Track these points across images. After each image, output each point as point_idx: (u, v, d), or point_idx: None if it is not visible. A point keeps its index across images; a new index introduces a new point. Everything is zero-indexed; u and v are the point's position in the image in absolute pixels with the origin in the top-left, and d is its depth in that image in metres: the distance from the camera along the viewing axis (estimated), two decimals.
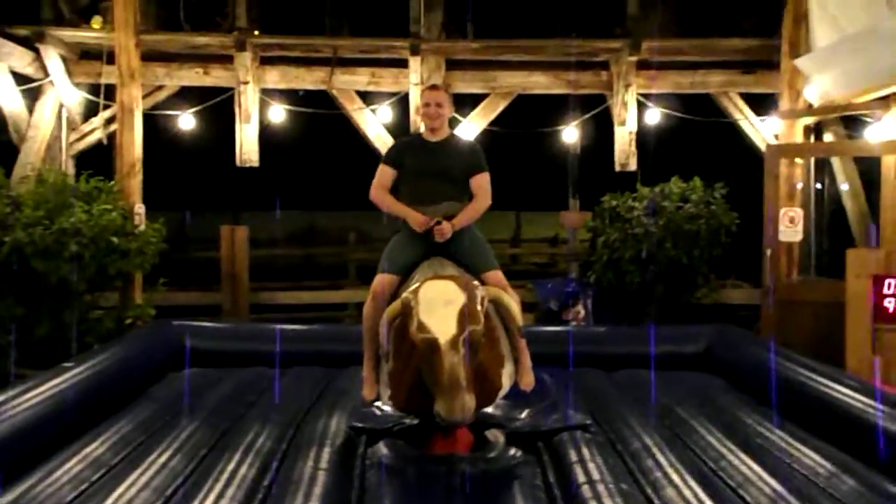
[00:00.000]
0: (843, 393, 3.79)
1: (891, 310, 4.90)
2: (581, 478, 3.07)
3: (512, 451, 3.42)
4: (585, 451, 3.33)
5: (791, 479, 3.17)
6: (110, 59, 7.02)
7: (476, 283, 3.26)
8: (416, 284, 3.19)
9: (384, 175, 3.76)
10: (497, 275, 3.62)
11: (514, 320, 3.39)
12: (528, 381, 3.57)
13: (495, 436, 3.63)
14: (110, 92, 7.18)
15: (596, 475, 3.07)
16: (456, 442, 3.42)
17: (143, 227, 6.49)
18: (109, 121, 7.43)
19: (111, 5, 6.98)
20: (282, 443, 3.53)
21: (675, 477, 3.10)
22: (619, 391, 4.55)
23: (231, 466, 3.15)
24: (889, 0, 5.37)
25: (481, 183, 3.69)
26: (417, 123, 7.80)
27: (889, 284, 4.93)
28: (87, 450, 3.37)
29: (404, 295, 3.16)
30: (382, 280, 3.58)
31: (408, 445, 3.45)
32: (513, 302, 3.42)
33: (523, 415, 3.85)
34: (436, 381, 2.92)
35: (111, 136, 7.26)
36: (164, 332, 5.29)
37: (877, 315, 4.98)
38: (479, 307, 3.05)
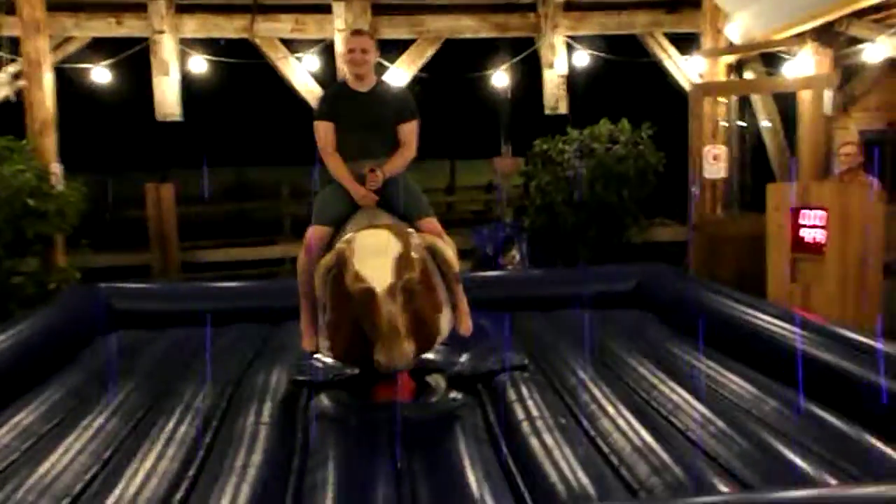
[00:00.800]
0: (764, 321, 3.98)
1: (808, 240, 5.12)
2: (521, 415, 3.16)
3: (453, 395, 3.48)
4: (524, 390, 3.42)
5: (718, 403, 3.34)
6: (10, 9, 6.58)
7: (411, 230, 3.25)
8: (350, 234, 3.15)
9: (327, 132, 3.57)
10: (431, 222, 3.61)
11: (450, 267, 3.40)
12: (466, 327, 3.60)
13: (436, 380, 3.69)
14: (14, 45, 6.74)
15: (535, 412, 3.16)
16: (398, 389, 3.45)
17: (60, 188, 6.20)
18: (16, 76, 6.99)
19: None
20: (221, 400, 3.50)
21: (609, 408, 3.21)
22: (555, 331, 4.66)
23: (170, 426, 3.11)
24: None
25: (410, 131, 3.60)
26: (344, 71, 7.62)
27: (806, 216, 5.14)
28: (15, 419, 3.26)
29: (338, 245, 3.13)
30: (314, 232, 3.52)
31: (350, 395, 3.47)
32: (448, 249, 3.43)
33: (463, 359, 3.91)
34: (374, 329, 2.91)
35: (19, 93, 6.84)
36: (91, 295, 5.11)
37: (795, 245, 5.20)
38: (414, 255, 3.05)
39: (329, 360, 3.74)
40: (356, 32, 3.80)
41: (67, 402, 3.55)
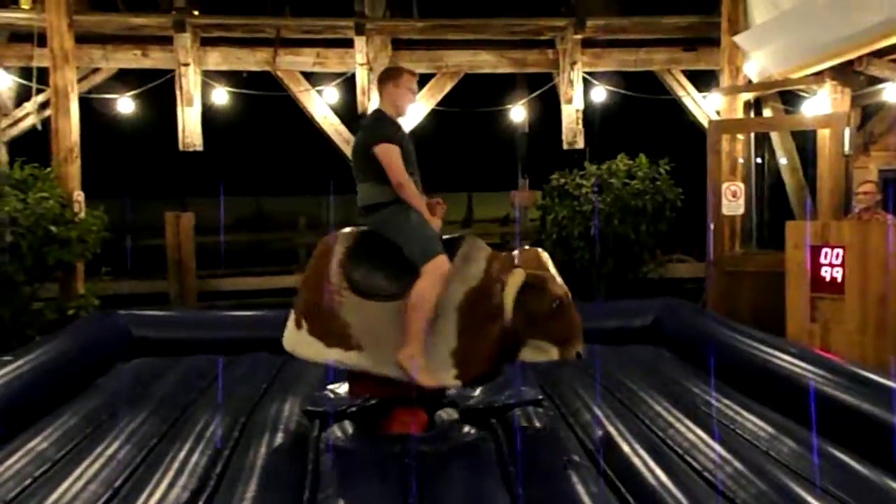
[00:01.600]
0: (783, 360, 3.93)
1: (827, 279, 5.07)
2: (534, 452, 3.12)
3: (466, 429, 3.45)
4: (538, 425, 3.39)
5: (734, 442, 3.28)
6: (42, 41, 6.75)
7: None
8: (516, 259, 3.46)
9: (400, 158, 3.48)
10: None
11: None
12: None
13: (449, 414, 3.66)
14: (43, 75, 6.91)
15: (549, 448, 3.13)
16: (410, 422, 3.43)
17: (82, 215, 6.30)
18: (43, 105, 7.15)
19: None
20: (234, 430, 3.49)
21: (624, 447, 3.17)
22: (571, 366, 4.61)
23: (182, 455, 3.11)
24: None
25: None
26: (365, 104, 7.72)
27: (825, 254, 5.09)
28: (30, 445, 3.27)
29: (529, 271, 3.37)
30: (444, 261, 3.39)
31: (362, 428, 3.45)
32: None
33: (477, 392, 3.88)
34: (566, 331, 3.33)
35: (45, 122, 6.99)
36: (110, 321, 5.16)
37: (814, 284, 5.15)
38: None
39: (342, 392, 3.73)
40: (412, 73, 3.77)
41: (82, 428, 3.56)
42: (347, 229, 3.63)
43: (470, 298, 3.36)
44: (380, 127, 3.58)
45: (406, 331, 3.30)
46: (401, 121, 3.69)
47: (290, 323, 3.53)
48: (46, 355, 4.16)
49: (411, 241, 3.43)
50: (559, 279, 3.44)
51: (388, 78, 3.69)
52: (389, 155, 3.46)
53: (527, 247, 3.57)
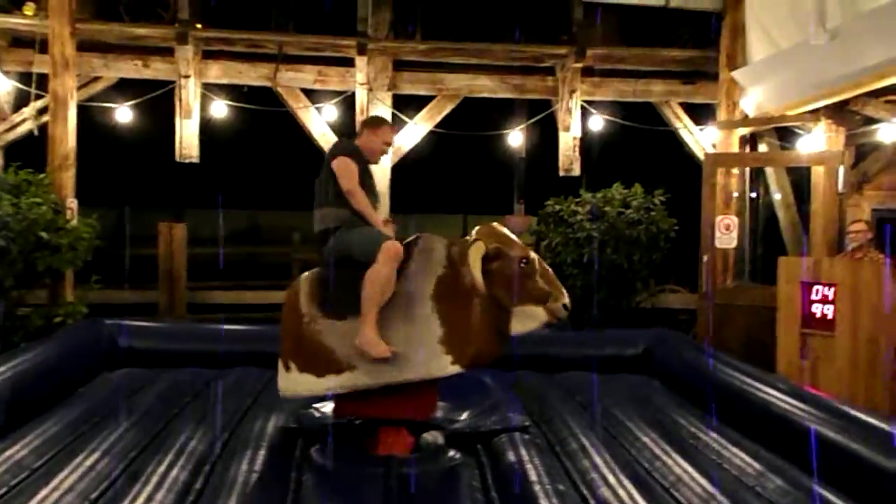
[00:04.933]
0: (772, 395, 3.91)
1: (818, 315, 5.07)
2: (519, 478, 3.08)
3: (451, 453, 3.42)
4: (524, 452, 3.35)
5: (722, 478, 3.25)
6: (43, 47, 6.76)
7: None
8: (475, 236, 3.54)
9: (356, 171, 3.59)
10: None
11: None
12: None
13: (435, 437, 3.63)
14: (43, 81, 6.91)
15: (533, 476, 3.10)
16: (395, 444, 3.40)
17: (74, 222, 6.26)
18: (41, 111, 7.14)
19: None
20: (216, 445, 3.45)
21: (610, 477, 3.14)
22: (560, 393, 4.60)
23: (162, 469, 3.07)
24: (819, 16, 5.57)
25: None
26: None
27: (817, 291, 5.10)
28: (8, 453, 3.23)
29: (490, 245, 3.46)
30: (395, 243, 3.47)
31: (345, 447, 3.41)
32: None
33: (463, 416, 3.85)
34: (543, 287, 3.44)
35: (43, 128, 6.98)
36: (96, 330, 5.11)
37: (805, 320, 5.14)
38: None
39: (327, 411, 3.70)
40: (392, 126, 3.97)
41: (63, 438, 3.52)
42: (307, 272, 3.74)
43: (441, 285, 3.45)
44: (345, 145, 3.75)
45: (361, 313, 3.37)
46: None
47: (280, 370, 3.57)
48: (30, 362, 4.11)
49: (364, 243, 3.50)
50: (519, 242, 3.58)
51: (370, 125, 3.87)
52: (345, 165, 3.56)
53: (479, 226, 3.65)
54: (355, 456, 3.35)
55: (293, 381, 3.49)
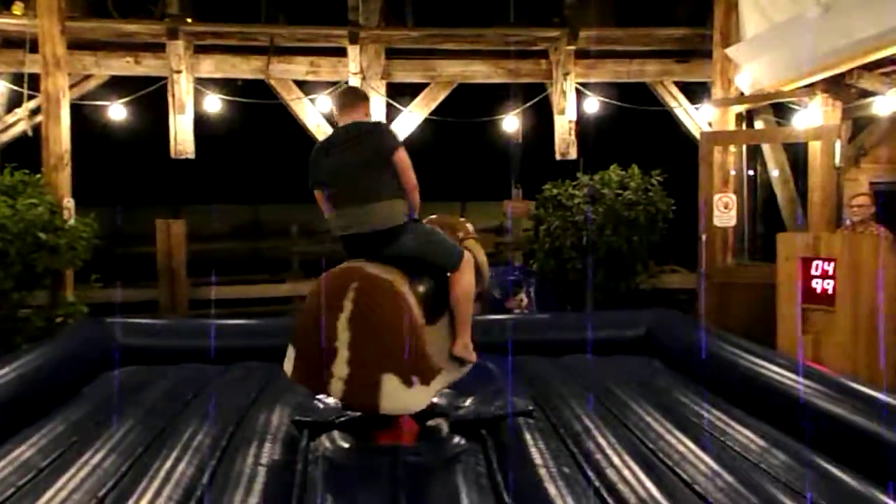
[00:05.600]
0: (773, 371, 3.92)
1: (818, 291, 5.08)
2: (524, 463, 3.10)
3: (456, 440, 3.42)
4: (528, 437, 3.36)
5: (726, 456, 3.27)
6: (34, 47, 6.73)
7: None
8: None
9: None
10: None
11: None
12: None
13: (439, 424, 3.64)
14: (35, 81, 6.88)
15: (539, 460, 3.11)
16: (400, 432, 3.41)
17: (72, 222, 6.26)
18: (35, 111, 7.12)
19: None
20: (221, 440, 3.45)
21: (615, 458, 3.15)
22: (562, 377, 4.60)
23: (168, 465, 3.07)
24: None
25: None
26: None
27: (816, 266, 5.10)
28: (14, 453, 3.24)
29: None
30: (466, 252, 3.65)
31: (351, 438, 3.42)
32: None
33: (467, 402, 3.86)
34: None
35: (37, 128, 6.96)
36: (97, 329, 5.11)
37: (805, 296, 5.15)
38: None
39: (331, 402, 3.71)
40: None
41: (68, 437, 3.53)
42: (383, 274, 3.28)
43: None
44: (394, 132, 3.53)
45: (460, 323, 3.49)
46: None
47: (397, 387, 3.18)
48: (33, 363, 4.12)
49: (442, 248, 3.48)
50: (463, 224, 4.09)
51: (366, 99, 3.64)
52: (407, 157, 3.38)
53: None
54: (361, 446, 3.36)
55: (420, 396, 3.22)
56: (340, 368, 3.15)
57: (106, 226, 7.08)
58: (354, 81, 7.63)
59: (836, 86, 6.50)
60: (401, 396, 3.15)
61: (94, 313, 6.15)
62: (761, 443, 3.40)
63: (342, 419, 3.58)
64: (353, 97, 3.60)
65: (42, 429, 3.57)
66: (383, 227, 3.31)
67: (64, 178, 6.52)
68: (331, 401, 3.78)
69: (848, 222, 5.97)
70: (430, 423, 3.63)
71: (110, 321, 5.22)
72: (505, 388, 4.06)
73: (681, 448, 3.31)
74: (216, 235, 12.06)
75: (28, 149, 6.97)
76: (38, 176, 6.25)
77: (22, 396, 3.79)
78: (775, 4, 6.36)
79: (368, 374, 3.13)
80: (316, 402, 3.83)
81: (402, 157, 3.37)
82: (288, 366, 3.40)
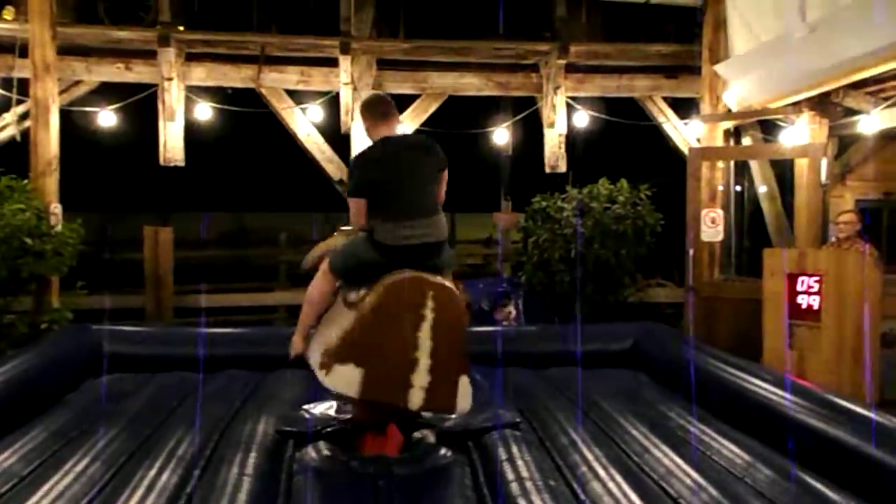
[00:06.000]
0: (759, 386, 3.94)
1: (804, 306, 5.11)
2: (510, 475, 3.09)
3: (442, 451, 3.42)
4: (514, 449, 3.36)
5: (711, 470, 3.28)
6: (23, 52, 6.70)
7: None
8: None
9: None
10: None
11: None
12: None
13: (425, 436, 3.63)
14: (24, 86, 6.85)
15: (524, 472, 3.10)
16: (386, 443, 3.40)
17: (59, 228, 6.22)
18: (23, 116, 7.08)
19: None
20: (206, 449, 3.43)
21: (600, 471, 3.15)
22: (549, 389, 4.61)
23: (152, 474, 3.05)
24: (799, 9, 5.61)
25: None
26: (348, 123, 7.74)
27: (802, 282, 5.14)
28: None
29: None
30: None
31: (336, 448, 3.40)
32: None
33: (454, 414, 3.85)
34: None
35: (25, 133, 6.92)
36: (82, 336, 5.07)
37: (791, 311, 5.18)
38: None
39: (317, 412, 3.70)
40: None
41: (51, 445, 3.49)
42: (447, 283, 3.39)
43: None
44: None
45: None
46: None
47: (467, 385, 3.37)
48: (16, 369, 4.08)
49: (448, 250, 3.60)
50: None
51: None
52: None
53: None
54: (346, 456, 3.34)
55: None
56: (422, 377, 3.20)
57: (93, 232, 7.05)
58: (346, 92, 7.65)
59: (822, 104, 6.59)
60: (469, 393, 3.38)
61: (79, 320, 6.10)
62: (746, 457, 3.42)
63: (328, 429, 3.57)
64: (393, 108, 3.61)
65: (24, 436, 3.53)
66: (443, 238, 3.48)
67: (51, 183, 6.48)
68: (317, 411, 3.77)
69: (834, 239, 6.03)
70: (417, 434, 3.63)
71: (95, 328, 5.18)
72: (492, 400, 4.06)
73: (666, 461, 3.32)
74: (203, 242, 12.02)
75: (16, 153, 6.93)
76: (26, 181, 6.21)
77: (4, 403, 3.75)
78: (763, 23, 6.44)
79: (449, 379, 3.28)
80: (301, 412, 3.81)
81: (446, 174, 3.57)
82: (351, 385, 3.24)
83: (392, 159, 3.43)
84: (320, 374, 3.34)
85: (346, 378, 3.25)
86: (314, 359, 3.43)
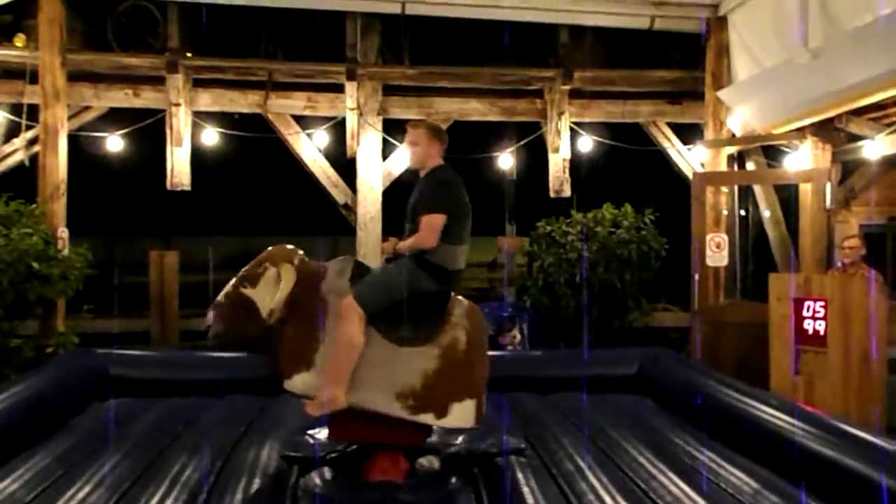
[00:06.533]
0: (766, 412, 3.91)
1: (810, 331, 5.09)
2: (516, 502, 3.07)
3: (448, 478, 3.40)
4: (520, 476, 3.34)
5: (718, 497, 3.25)
6: (34, 78, 6.78)
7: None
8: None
9: None
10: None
11: (340, 320, 3.37)
12: (317, 399, 3.34)
13: (430, 462, 3.61)
14: (33, 112, 6.92)
15: (530, 500, 3.09)
16: (391, 469, 3.38)
17: (66, 252, 6.25)
18: (32, 142, 7.15)
19: (36, 23, 6.77)
20: (210, 475, 3.42)
21: (607, 499, 3.13)
22: (554, 414, 4.58)
23: (156, 500, 3.04)
24: (802, 36, 5.65)
25: (422, 223, 3.45)
26: (354, 148, 7.79)
27: (808, 307, 5.12)
28: (0, 486, 3.18)
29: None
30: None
31: (342, 474, 3.39)
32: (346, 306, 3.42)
33: (459, 440, 3.83)
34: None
35: (34, 158, 6.99)
36: (87, 360, 5.07)
37: (798, 337, 5.16)
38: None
39: (322, 438, 3.68)
40: (408, 125, 3.80)
41: (55, 470, 3.47)
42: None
43: None
44: None
45: None
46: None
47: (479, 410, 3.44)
48: (21, 394, 4.07)
49: None
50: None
51: None
52: None
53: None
54: (351, 483, 3.33)
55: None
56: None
57: (99, 255, 7.08)
58: (352, 117, 7.71)
59: (825, 129, 6.62)
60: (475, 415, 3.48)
61: (84, 343, 6.11)
62: (754, 484, 3.39)
63: (333, 454, 3.55)
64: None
65: (28, 461, 3.52)
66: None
67: (59, 208, 6.53)
68: (322, 436, 3.76)
69: (839, 264, 6.02)
70: (422, 460, 3.61)
71: (101, 352, 5.18)
72: (497, 425, 4.04)
73: (673, 489, 3.30)
74: (209, 266, 12.01)
75: (24, 178, 6.99)
76: (34, 206, 6.26)
77: (9, 427, 3.74)
78: (765, 49, 6.49)
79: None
80: (306, 437, 3.79)
81: None
82: (467, 418, 3.39)
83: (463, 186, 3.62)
84: (426, 418, 3.35)
85: (465, 413, 3.39)
86: (391, 408, 3.31)
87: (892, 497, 2.90)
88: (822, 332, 5.01)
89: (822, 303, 5.02)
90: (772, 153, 7.80)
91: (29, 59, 6.93)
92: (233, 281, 3.45)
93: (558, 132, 7.97)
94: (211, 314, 3.40)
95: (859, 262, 5.77)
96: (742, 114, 7.06)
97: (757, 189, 8.12)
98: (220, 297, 3.42)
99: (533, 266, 7.37)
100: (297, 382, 3.32)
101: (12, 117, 7.39)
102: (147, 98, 7.71)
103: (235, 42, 7.92)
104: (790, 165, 7.17)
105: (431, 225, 3.40)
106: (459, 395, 3.34)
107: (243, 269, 3.46)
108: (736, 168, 7.76)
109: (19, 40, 7.22)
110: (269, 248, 3.54)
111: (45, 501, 3.07)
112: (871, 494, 2.99)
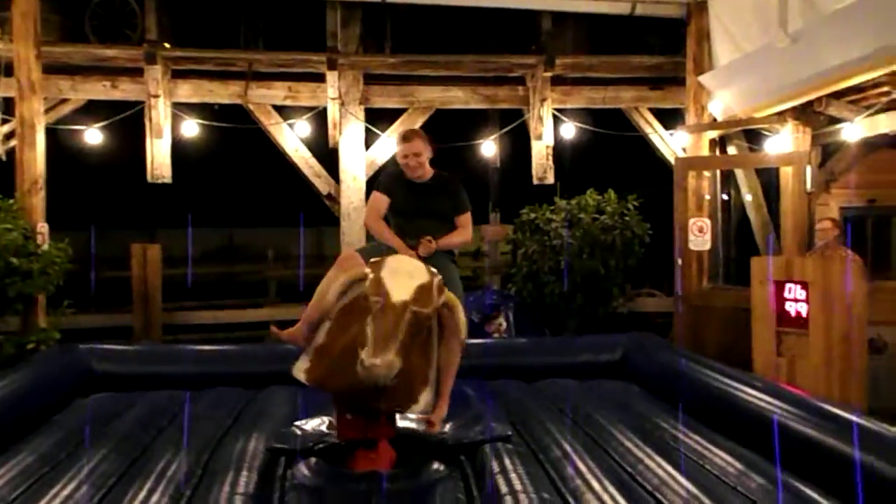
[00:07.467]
0: (750, 394, 3.96)
1: (792, 314, 5.15)
2: (503, 489, 3.08)
3: (434, 466, 3.41)
4: (507, 462, 3.35)
5: (703, 479, 3.28)
6: (8, 71, 6.66)
7: (440, 277, 3.21)
8: (384, 258, 3.20)
9: (380, 203, 3.81)
10: None
11: (459, 332, 3.32)
12: (439, 416, 3.42)
13: (417, 451, 3.61)
14: (9, 106, 6.81)
15: (518, 485, 3.09)
16: (378, 458, 3.38)
17: (46, 247, 6.17)
18: (9, 136, 7.02)
19: (9, 15, 6.64)
20: (196, 468, 3.40)
21: (594, 483, 3.15)
22: (540, 401, 4.61)
23: (142, 496, 3.02)
24: (781, 20, 5.67)
25: (464, 221, 3.82)
26: (336, 138, 7.74)
27: (790, 290, 5.18)
28: None
29: (371, 261, 3.18)
30: (352, 256, 3.56)
31: (328, 464, 3.39)
32: (463, 318, 3.35)
33: (446, 428, 3.84)
34: (373, 334, 2.89)
35: (11, 152, 6.88)
36: (69, 355, 5.03)
37: (780, 319, 5.22)
38: (434, 296, 3.06)
39: (308, 429, 3.68)
40: (405, 139, 3.82)
41: (39, 467, 3.44)
42: None
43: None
44: (382, 176, 4.00)
45: None
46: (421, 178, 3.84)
47: None
48: (3, 390, 4.04)
49: None
50: None
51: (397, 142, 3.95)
52: (371, 200, 3.90)
53: None
54: (338, 473, 3.32)
55: None
56: None
57: (80, 250, 6.99)
58: (333, 107, 7.67)
59: (805, 113, 6.65)
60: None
61: (66, 339, 6.05)
62: (739, 466, 3.43)
63: (320, 446, 3.55)
64: None
65: (11, 459, 3.48)
66: None
67: (38, 202, 6.43)
68: (308, 427, 3.75)
69: (816, 246, 6.08)
70: (408, 448, 3.61)
71: (83, 347, 5.14)
72: (483, 413, 4.05)
73: (659, 472, 3.33)
74: (191, 259, 11.95)
75: (2, 173, 6.88)
76: (12, 201, 6.17)
77: None
78: (746, 34, 6.51)
79: None
80: (293, 429, 3.79)
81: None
82: (429, 404, 3.36)
83: None
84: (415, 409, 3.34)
85: (426, 400, 3.36)
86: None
87: (875, 477, 2.94)
88: (803, 315, 5.07)
89: (804, 285, 5.08)
90: (753, 137, 7.84)
91: (3, 52, 6.81)
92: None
93: (541, 119, 7.97)
94: None
95: (834, 244, 5.83)
96: (723, 98, 7.08)
97: (739, 173, 8.16)
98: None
99: (517, 254, 7.38)
100: (422, 403, 3.30)
101: None
102: (125, 90, 7.61)
103: (215, 32, 7.83)
104: (771, 149, 7.21)
105: (470, 223, 3.82)
106: (425, 382, 3.32)
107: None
108: (718, 152, 7.80)
109: None
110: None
111: (30, 499, 3.04)
112: (852, 474, 3.03)
